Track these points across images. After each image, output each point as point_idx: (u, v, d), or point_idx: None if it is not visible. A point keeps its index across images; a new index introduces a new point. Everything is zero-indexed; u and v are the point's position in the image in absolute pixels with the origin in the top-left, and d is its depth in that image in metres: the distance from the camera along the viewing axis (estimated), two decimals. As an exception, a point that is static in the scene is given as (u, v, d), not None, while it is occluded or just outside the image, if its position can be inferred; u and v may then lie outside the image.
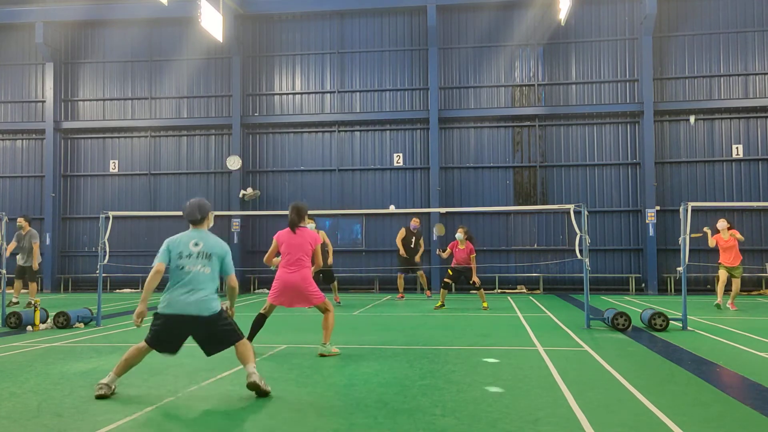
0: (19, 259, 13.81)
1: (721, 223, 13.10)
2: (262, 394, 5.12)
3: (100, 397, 5.06)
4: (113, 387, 5.22)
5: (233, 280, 5.53)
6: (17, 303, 13.16)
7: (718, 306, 12.55)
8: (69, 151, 21.29)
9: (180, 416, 4.57)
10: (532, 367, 6.40)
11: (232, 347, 5.33)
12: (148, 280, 5.27)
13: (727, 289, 12.94)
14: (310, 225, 13.79)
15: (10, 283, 12.26)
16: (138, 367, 6.47)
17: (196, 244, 5.42)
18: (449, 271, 13.36)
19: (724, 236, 13.00)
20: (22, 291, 14.71)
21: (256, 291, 19.47)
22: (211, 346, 5.34)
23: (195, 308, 5.17)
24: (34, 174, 21.25)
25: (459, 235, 13.10)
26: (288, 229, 7.58)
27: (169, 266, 5.36)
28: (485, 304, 12.94)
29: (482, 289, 13.14)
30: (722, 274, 12.88)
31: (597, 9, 19.30)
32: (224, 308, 5.49)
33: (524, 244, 19.10)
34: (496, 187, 19.32)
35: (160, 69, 21.01)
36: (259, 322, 7.41)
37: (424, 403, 4.90)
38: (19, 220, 13.93)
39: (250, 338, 7.15)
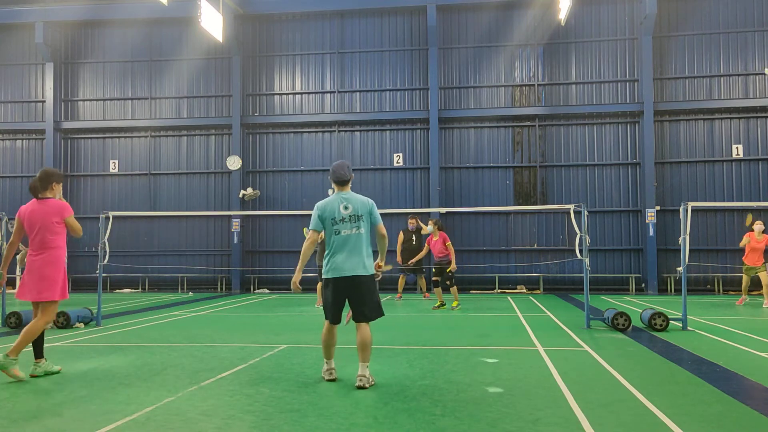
0: None
1: (759, 226, 13.57)
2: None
3: (331, 380, 5.68)
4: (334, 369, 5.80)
5: (382, 228, 5.73)
6: None
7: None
8: (69, 151, 21.30)
9: (180, 416, 4.56)
10: (532, 367, 6.40)
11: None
12: (303, 249, 5.64)
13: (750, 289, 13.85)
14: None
15: (10, 283, 12.24)
16: (138, 366, 6.49)
17: (346, 208, 5.61)
18: (433, 269, 13.27)
19: (758, 237, 13.47)
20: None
21: (257, 291, 19.48)
22: (362, 309, 5.60)
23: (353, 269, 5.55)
24: (34, 174, 21.09)
25: (430, 227, 13.16)
26: (33, 200, 6.04)
27: (325, 232, 5.68)
28: (455, 303, 12.80)
29: (456, 287, 12.99)
30: (745, 278, 13.73)
31: (597, 9, 19.30)
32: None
33: (524, 244, 19.10)
34: (496, 187, 19.32)
35: (160, 69, 21.02)
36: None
37: (424, 403, 4.90)
38: None
39: (38, 355, 6.05)
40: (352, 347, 7.52)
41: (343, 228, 5.56)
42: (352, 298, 5.57)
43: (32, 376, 5.97)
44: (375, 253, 5.88)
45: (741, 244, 13.95)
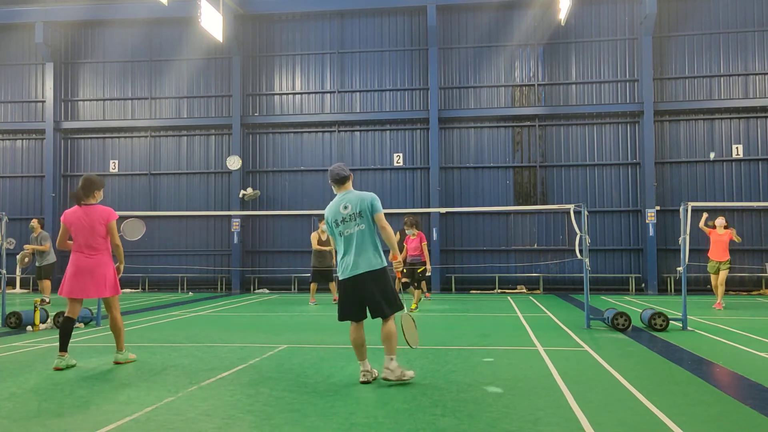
0: (36, 261, 14.41)
1: (720, 220, 13.27)
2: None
3: (365, 382, 5.52)
4: (371, 370, 5.64)
5: (379, 220, 5.60)
6: (48, 302, 13.34)
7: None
8: (69, 151, 21.30)
9: (180, 416, 4.56)
10: (532, 367, 6.40)
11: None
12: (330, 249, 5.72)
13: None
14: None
15: (10, 283, 12.28)
16: (138, 366, 6.50)
17: (345, 207, 5.61)
18: (403, 269, 12.66)
19: (719, 231, 13.14)
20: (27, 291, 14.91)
21: (257, 291, 19.47)
22: (376, 305, 5.53)
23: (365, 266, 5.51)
24: (34, 174, 21.25)
25: (409, 230, 12.44)
26: (76, 206, 6.47)
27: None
28: (414, 306, 12.16)
29: (419, 291, 12.49)
30: (713, 277, 13.20)
31: (597, 9, 19.30)
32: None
33: (524, 244, 19.10)
34: (496, 187, 19.32)
35: (160, 69, 21.02)
36: (67, 328, 6.43)
37: (424, 403, 4.90)
38: (32, 222, 14.46)
39: (62, 348, 6.34)
40: (350, 347, 7.54)
41: (345, 228, 5.56)
42: (366, 296, 5.50)
43: (56, 369, 6.27)
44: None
45: (700, 225, 13.29)
